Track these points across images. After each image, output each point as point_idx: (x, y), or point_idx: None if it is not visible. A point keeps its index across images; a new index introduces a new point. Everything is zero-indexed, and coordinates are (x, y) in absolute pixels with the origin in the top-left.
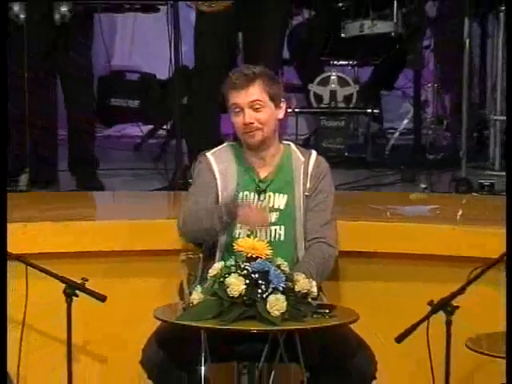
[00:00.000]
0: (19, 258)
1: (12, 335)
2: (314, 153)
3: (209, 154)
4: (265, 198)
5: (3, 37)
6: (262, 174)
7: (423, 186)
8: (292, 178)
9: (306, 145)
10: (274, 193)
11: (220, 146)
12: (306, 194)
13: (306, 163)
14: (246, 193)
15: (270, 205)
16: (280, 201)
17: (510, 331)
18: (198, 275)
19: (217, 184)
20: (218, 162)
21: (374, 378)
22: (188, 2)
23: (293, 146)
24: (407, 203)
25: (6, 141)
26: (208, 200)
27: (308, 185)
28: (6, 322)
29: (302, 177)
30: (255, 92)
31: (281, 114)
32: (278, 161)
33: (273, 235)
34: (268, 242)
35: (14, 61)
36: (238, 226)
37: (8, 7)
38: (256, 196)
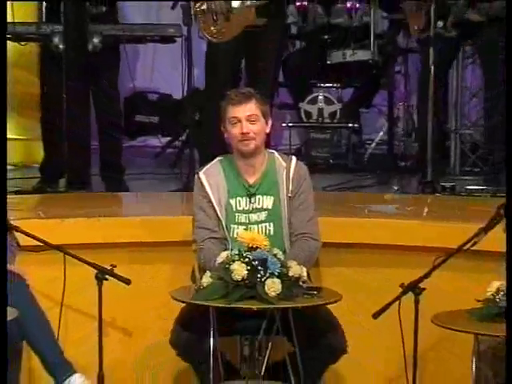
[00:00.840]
0: (58, 248)
1: (52, 312)
2: (294, 159)
3: (201, 173)
4: (255, 201)
5: (3, 37)
6: (251, 180)
7: (395, 187)
8: (277, 181)
9: (297, 154)
10: (263, 195)
11: (211, 162)
12: (289, 195)
13: (288, 168)
14: (239, 198)
15: (259, 206)
16: (268, 202)
17: (509, 331)
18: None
19: (210, 199)
20: (209, 177)
21: (346, 352)
22: (200, 34)
23: (276, 153)
24: (382, 202)
25: (5, 141)
26: (208, 218)
27: (290, 187)
28: (6, 322)
29: (284, 180)
30: (252, 107)
31: (268, 129)
32: (264, 167)
33: (263, 231)
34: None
35: (55, 84)
36: (235, 225)
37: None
38: (247, 199)
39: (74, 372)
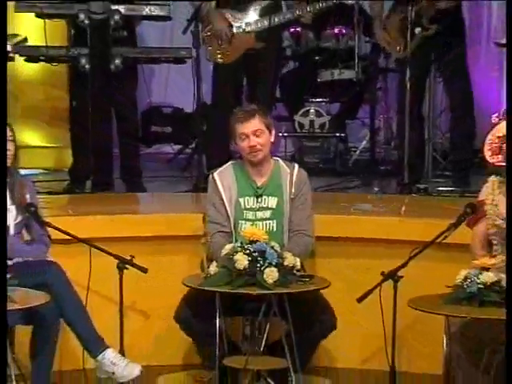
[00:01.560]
0: (84, 241)
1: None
2: (296, 165)
3: (215, 174)
4: (261, 200)
5: (3, 38)
6: (259, 182)
7: (377, 189)
8: (281, 184)
9: (292, 159)
10: (268, 196)
11: (225, 165)
12: (291, 196)
13: (291, 174)
14: (247, 198)
15: (265, 205)
16: (272, 202)
17: (509, 330)
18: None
19: (222, 197)
20: (222, 178)
21: (335, 328)
22: (207, 56)
23: (280, 161)
24: (366, 202)
25: (5, 143)
26: (218, 216)
27: (293, 190)
28: (6, 322)
29: (288, 183)
30: (256, 123)
31: (272, 138)
32: (270, 172)
33: (268, 227)
34: (266, 233)
35: (82, 99)
36: (243, 221)
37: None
38: (255, 199)
39: (107, 347)
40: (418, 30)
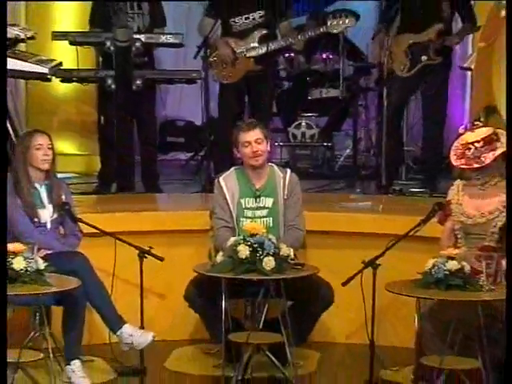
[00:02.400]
0: (111, 234)
1: (105, 282)
2: (288, 170)
3: (221, 179)
4: (259, 201)
5: (3, 39)
6: (257, 185)
7: (358, 190)
8: (276, 187)
9: (286, 165)
10: (265, 197)
11: (229, 171)
12: (285, 197)
13: (284, 177)
14: (247, 198)
15: (262, 204)
16: (269, 202)
17: (509, 330)
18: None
19: (226, 198)
20: (227, 182)
21: (333, 301)
22: (214, 77)
23: (275, 166)
24: (349, 201)
25: (5, 142)
26: (224, 214)
27: (286, 191)
28: (6, 321)
29: (282, 186)
30: (257, 133)
31: (269, 148)
32: (267, 176)
33: (265, 223)
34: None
35: (108, 113)
36: (244, 219)
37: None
38: (254, 199)
39: (125, 323)
40: (424, 57)
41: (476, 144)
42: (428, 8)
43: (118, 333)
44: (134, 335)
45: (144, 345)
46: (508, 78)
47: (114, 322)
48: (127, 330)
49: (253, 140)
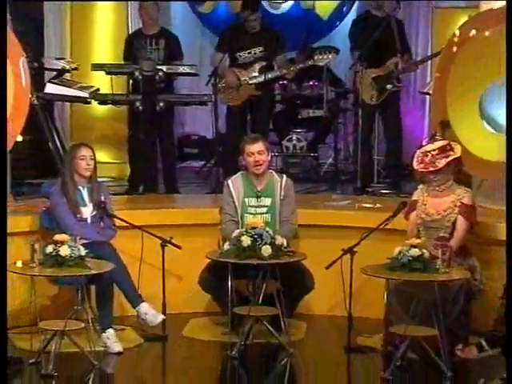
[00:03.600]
0: (138, 227)
1: (134, 267)
2: (284, 176)
3: (229, 181)
4: (260, 200)
5: (3, 40)
6: (259, 187)
7: (339, 191)
8: (274, 189)
9: (281, 171)
10: (265, 197)
11: (236, 175)
12: (281, 198)
13: (281, 181)
14: (250, 198)
15: (263, 203)
16: (268, 201)
17: (509, 331)
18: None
19: (233, 197)
20: (234, 184)
21: (313, 288)
22: (221, 101)
23: (273, 172)
24: (332, 200)
25: (5, 142)
26: (231, 210)
27: (282, 193)
28: (6, 320)
29: (279, 189)
30: (260, 145)
31: (269, 157)
32: (267, 180)
33: (265, 219)
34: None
35: (136, 129)
36: (247, 215)
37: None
38: (256, 199)
39: (143, 301)
40: (389, 86)
41: (432, 152)
42: (383, 46)
43: (136, 309)
44: (148, 314)
45: (155, 324)
46: (508, 79)
47: (134, 300)
48: (143, 308)
49: (256, 151)
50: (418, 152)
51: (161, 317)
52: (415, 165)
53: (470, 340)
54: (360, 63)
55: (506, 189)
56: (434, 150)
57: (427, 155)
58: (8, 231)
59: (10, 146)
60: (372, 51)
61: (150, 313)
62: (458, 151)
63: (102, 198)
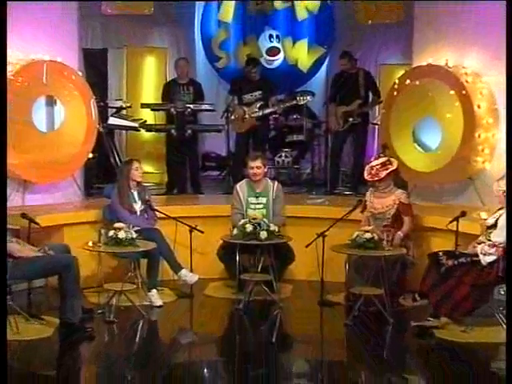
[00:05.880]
0: (173, 218)
1: (171, 245)
2: (276, 182)
3: (237, 186)
4: (259, 199)
5: (3, 41)
6: (258, 190)
7: (314, 192)
8: (269, 191)
9: (273, 179)
10: (262, 197)
11: (242, 181)
12: (273, 197)
13: (273, 186)
14: (251, 198)
15: (260, 202)
16: (264, 200)
17: (509, 328)
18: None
19: (240, 197)
20: (240, 188)
21: (294, 260)
22: (232, 129)
23: (268, 179)
24: (310, 199)
25: (5, 142)
26: (238, 206)
27: (274, 194)
28: (6, 319)
29: (272, 191)
30: (258, 162)
31: (265, 170)
32: (263, 185)
33: (262, 213)
34: (261, 215)
35: (171, 150)
36: (249, 209)
37: (169, 131)
38: (255, 198)
39: (183, 268)
40: (351, 119)
41: (377, 166)
42: (352, 90)
43: (178, 274)
44: (187, 276)
45: (193, 281)
46: (508, 79)
47: (176, 267)
48: (183, 272)
49: (255, 166)
50: (367, 166)
51: (196, 276)
52: (365, 175)
53: (407, 295)
54: (329, 103)
55: (506, 188)
56: (377, 165)
57: (373, 168)
58: (81, 221)
59: (83, 161)
60: (343, 94)
61: (189, 275)
62: (395, 165)
63: (147, 197)
